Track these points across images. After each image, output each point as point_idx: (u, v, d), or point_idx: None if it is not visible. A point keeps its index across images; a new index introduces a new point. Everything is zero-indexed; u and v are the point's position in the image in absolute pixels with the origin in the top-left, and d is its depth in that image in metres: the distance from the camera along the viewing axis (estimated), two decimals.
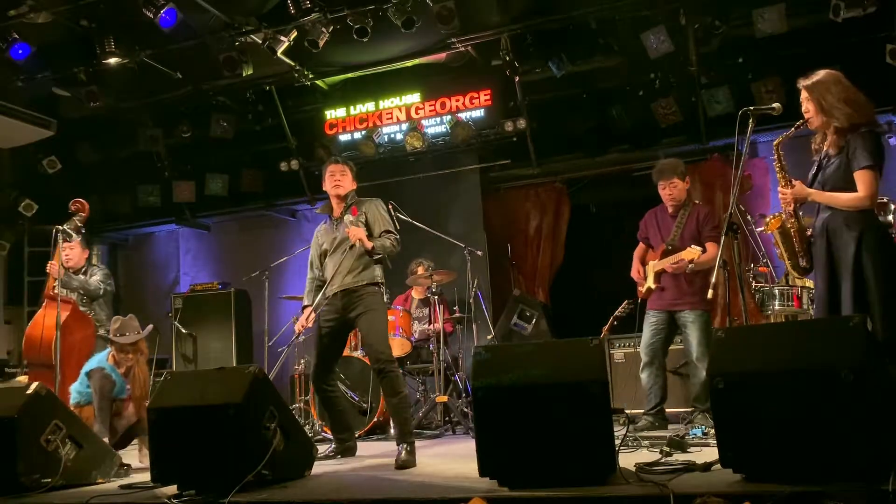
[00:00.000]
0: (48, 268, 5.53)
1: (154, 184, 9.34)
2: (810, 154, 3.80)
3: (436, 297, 6.51)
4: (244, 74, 7.37)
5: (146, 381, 4.94)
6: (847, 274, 3.48)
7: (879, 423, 2.53)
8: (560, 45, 7.50)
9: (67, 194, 9.24)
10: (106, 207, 9.45)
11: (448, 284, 6.97)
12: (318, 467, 4.05)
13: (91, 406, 4.73)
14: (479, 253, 7.00)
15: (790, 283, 5.55)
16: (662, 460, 3.42)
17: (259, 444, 3.43)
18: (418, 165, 8.40)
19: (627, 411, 5.15)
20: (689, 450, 3.77)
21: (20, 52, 6.96)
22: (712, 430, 3.28)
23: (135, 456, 4.79)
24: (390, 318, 5.75)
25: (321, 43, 6.86)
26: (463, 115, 8.18)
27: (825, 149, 3.67)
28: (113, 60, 7.19)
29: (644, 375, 5.33)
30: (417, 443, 4.46)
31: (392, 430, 6.01)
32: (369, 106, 8.57)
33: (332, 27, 6.85)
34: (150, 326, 5.04)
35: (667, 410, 5.38)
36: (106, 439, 4.56)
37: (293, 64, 7.69)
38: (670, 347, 5.51)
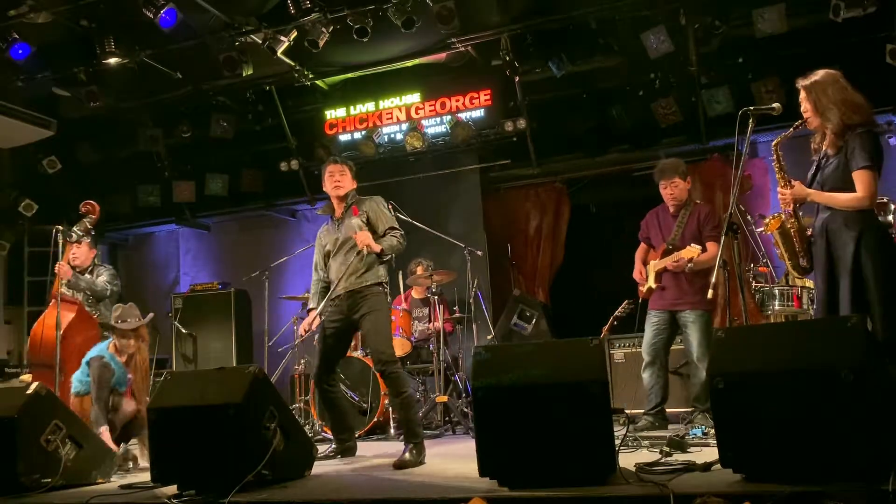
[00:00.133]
0: (56, 268, 5.53)
1: (154, 184, 9.34)
2: (810, 154, 3.80)
3: (436, 297, 6.51)
4: (244, 74, 7.37)
5: (147, 368, 4.96)
6: (846, 274, 3.48)
7: (879, 423, 2.53)
8: (560, 45, 7.50)
9: (67, 194, 9.33)
10: (106, 207, 9.37)
11: (448, 284, 6.97)
12: (318, 467, 4.05)
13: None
14: (479, 253, 7.00)
15: (790, 283, 5.55)
16: (662, 460, 3.42)
17: (259, 444, 3.43)
18: (418, 165, 8.40)
19: (627, 411, 5.15)
20: (689, 450, 3.77)
21: (20, 52, 6.96)
22: (712, 430, 3.28)
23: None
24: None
25: (321, 43, 6.86)
26: (463, 115, 8.18)
27: (823, 149, 3.67)
28: (113, 60, 7.19)
29: (646, 375, 5.33)
30: None
31: (392, 430, 6.03)
32: (369, 106, 8.58)
33: (332, 27, 6.85)
34: (151, 314, 5.06)
35: (667, 410, 5.37)
36: (105, 428, 4.57)
37: (293, 64, 7.69)
38: (672, 347, 5.51)
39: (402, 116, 8.43)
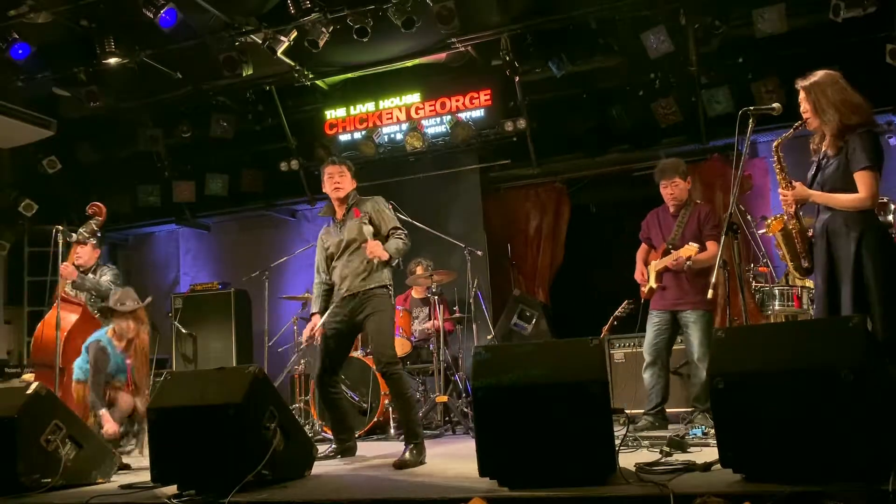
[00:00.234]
0: (61, 269, 5.53)
1: (154, 184, 9.34)
2: (810, 154, 3.80)
3: (436, 296, 6.51)
4: (244, 74, 7.37)
5: (147, 352, 4.99)
6: (847, 274, 3.48)
7: (879, 423, 2.53)
8: (560, 45, 7.50)
9: (67, 194, 9.35)
10: (106, 207, 9.43)
11: (448, 284, 6.97)
12: (318, 467, 4.05)
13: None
14: (479, 253, 7.00)
15: (790, 283, 5.55)
16: (662, 460, 3.42)
17: (259, 444, 3.43)
18: (418, 165, 8.40)
19: (627, 411, 5.14)
20: (689, 450, 3.77)
21: (20, 52, 6.96)
22: (712, 430, 3.28)
23: (136, 456, 4.80)
24: None
25: (321, 43, 6.86)
26: (463, 115, 8.18)
27: (823, 149, 3.67)
28: (113, 60, 7.19)
29: (647, 375, 5.32)
30: None
31: (392, 430, 6.03)
32: (369, 106, 8.57)
33: (332, 27, 6.85)
34: (149, 298, 5.09)
35: (667, 410, 5.37)
36: (104, 411, 4.58)
37: (293, 64, 7.69)
38: (672, 348, 5.51)
39: (402, 116, 8.43)
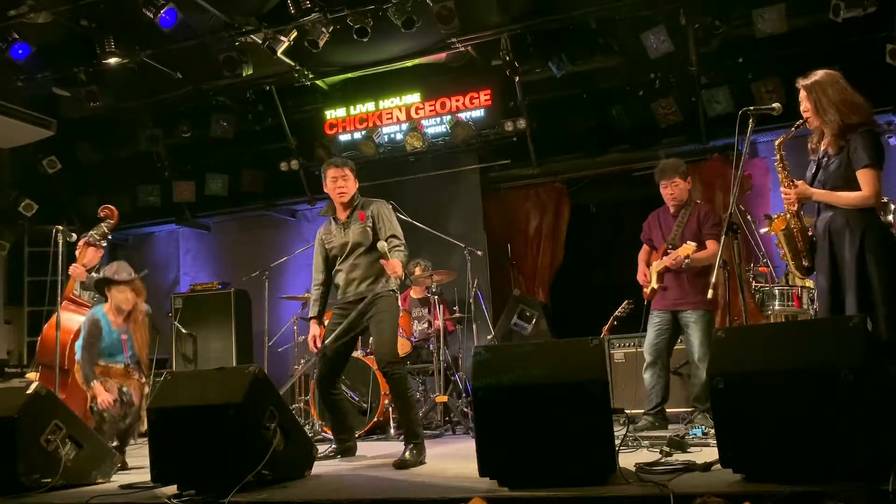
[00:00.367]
0: (70, 270, 5.52)
1: (154, 184, 9.34)
2: (809, 154, 3.80)
3: (435, 296, 6.51)
4: (244, 74, 7.37)
5: (146, 323, 4.99)
6: (851, 274, 3.48)
7: (879, 423, 2.53)
8: (560, 45, 7.50)
9: (67, 194, 9.35)
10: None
11: (448, 284, 6.97)
12: (318, 467, 4.05)
13: (99, 361, 4.79)
14: (479, 253, 7.00)
15: (790, 283, 5.55)
16: (662, 460, 3.42)
17: (259, 444, 3.43)
18: (418, 165, 8.40)
19: (627, 411, 5.14)
20: (689, 450, 3.77)
21: (20, 52, 6.96)
22: (712, 430, 3.28)
23: (134, 457, 4.79)
24: None
25: (321, 43, 6.86)
26: (463, 115, 8.18)
27: (823, 148, 3.67)
28: (113, 60, 7.20)
29: (647, 375, 5.32)
30: None
31: (392, 430, 6.03)
32: (369, 106, 8.58)
33: (332, 27, 6.85)
34: (145, 271, 5.12)
35: (667, 410, 5.37)
36: (96, 382, 4.59)
37: (293, 64, 7.69)
38: (673, 348, 5.50)
39: (402, 116, 8.43)
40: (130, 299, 4.87)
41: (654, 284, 5.30)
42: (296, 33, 6.93)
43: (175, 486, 3.47)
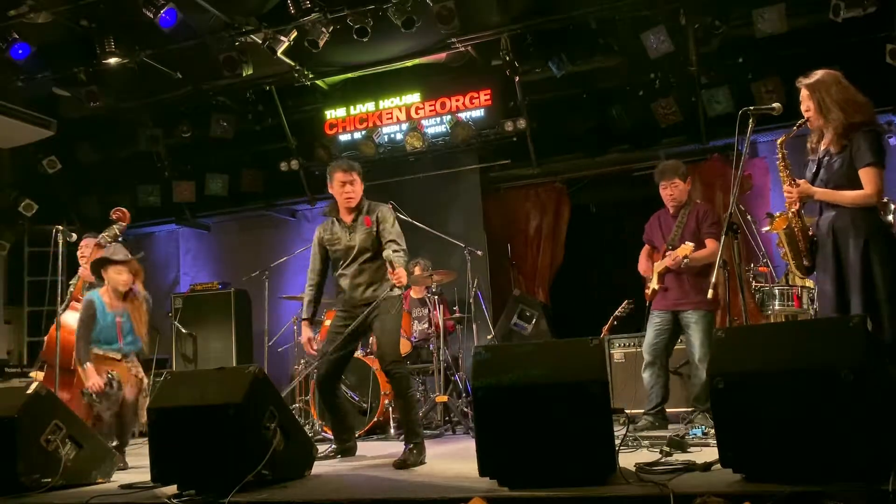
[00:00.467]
0: (80, 271, 5.53)
1: (154, 184, 9.34)
2: (807, 153, 3.80)
3: (435, 296, 6.51)
4: (244, 74, 7.37)
5: (144, 304, 4.99)
6: (856, 274, 3.48)
7: (879, 423, 2.53)
8: (560, 45, 7.50)
9: (67, 194, 9.35)
10: (106, 207, 9.42)
11: (448, 284, 6.97)
12: (318, 467, 4.05)
13: (94, 350, 4.79)
14: (479, 253, 6.99)
15: (790, 283, 5.55)
16: (662, 460, 3.42)
17: (259, 444, 3.43)
18: (418, 165, 8.40)
19: (627, 411, 5.14)
20: (689, 450, 3.77)
21: (20, 52, 6.96)
22: (712, 430, 3.28)
23: (134, 457, 4.79)
24: None
25: (321, 43, 6.86)
26: (463, 115, 8.18)
27: (824, 147, 3.67)
28: (113, 60, 7.20)
29: (646, 375, 5.32)
30: None
31: (392, 430, 6.03)
32: (369, 106, 8.58)
33: (332, 27, 6.85)
34: (142, 253, 5.15)
35: (667, 410, 5.37)
36: (89, 365, 4.60)
37: (293, 64, 7.69)
38: (673, 348, 5.50)
39: (402, 116, 8.43)
40: (127, 280, 4.88)
41: (655, 285, 5.29)
42: (296, 33, 6.93)
43: (175, 486, 3.47)
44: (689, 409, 5.41)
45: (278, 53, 7.03)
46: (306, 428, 5.82)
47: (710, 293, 4.03)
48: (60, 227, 5.41)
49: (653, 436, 4.52)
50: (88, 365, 4.64)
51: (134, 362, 4.95)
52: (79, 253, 5.76)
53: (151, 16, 6.48)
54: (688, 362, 5.45)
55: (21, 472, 3.70)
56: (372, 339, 5.90)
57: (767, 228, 3.92)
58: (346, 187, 4.58)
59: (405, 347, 6.54)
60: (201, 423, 3.46)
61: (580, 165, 8.31)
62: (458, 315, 6.91)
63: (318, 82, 8.42)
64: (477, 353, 3.30)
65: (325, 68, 8.10)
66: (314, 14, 6.72)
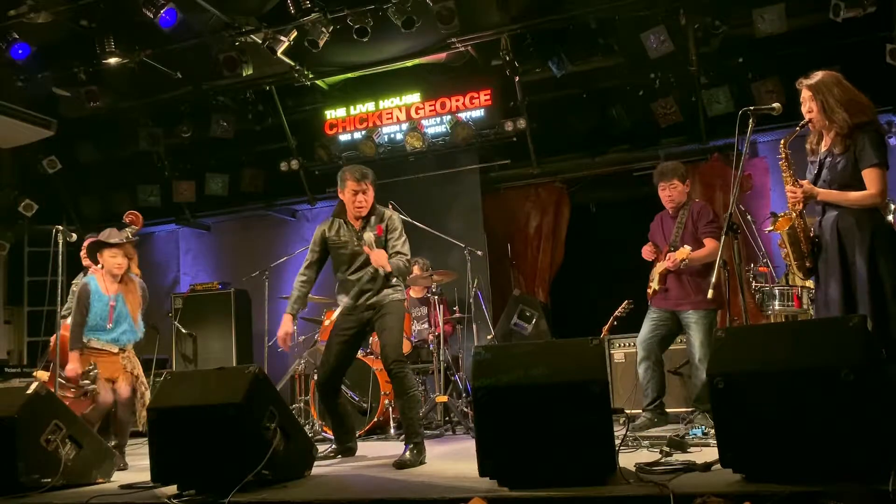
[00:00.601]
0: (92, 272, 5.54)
1: (154, 184, 9.33)
2: (806, 154, 3.80)
3: (435, 296, 6.51)
4: (244, 74, 7.38)
5: (138, 287, 5.02)
6: (863, 274, 3.47)
7: (879, 423, 2.53)
8: (560, 45, 7.50)
9: (67, 194, 9.34)
10: (106, 207, 9.45)
11: (448, 284, 6.97)
12: (318, 467, 4.05)
13: (93, 342, 4.80)
14: (479, 253, 6.99)
15: (790, 283, 5.54)
16: (662, 460, 3.42)
17: (259, 444, 3.42)
18: (418, 165, 8.40)
19: (627, 411, 5.13)
20: (689, 450, 3.77)
21: (20, 52, 6.97)
22: (712, 430, 3.28)
23: (134, 457, 4.79)
24: None
25: (321, 43, 6.87)
26: (463, 115, 8.18)
27: (825, 148, 3.67)
28: (113, 60, 7.20)
29: (640, 370, 5.29)
30: None
31: (392, 430, 6.03)
32: (369, 106, 8.58)
33: (332, 27, 6.86)
34: (136, 237, 5.16)
35: (667, 411, 5.36)
36: (76, 352, 4.62)
37: (293, 64, 7.70)
38: (672, 347, 5.49)
39: (402, 116, 8.43)
40: (122, 263, 4.91)
41: (656, 286, 5.29)
42: (296, 33, 6.93)
43: (175, 486, 3.47)
44: (689, 409, 5.40)
45: (278, 53, 7.03)
46: (306, 428, 5.82)
47: (710, 293, 4.03)
48: (60, 227, 5.41)
49: (653, 436, 4.52)
50: (74, 353, 4.65)
51: (130, 356, 4.95)
52: (81, 254, 5.76)
53: (151, 16, 6.48)
54: (688, 362, 5.44)
55: (21, 472, 3.70)
56: (372, 339, 5.91)
57: (770, 228, 3.91)
58: (358, 196, 4.59)
59: (405, 347, 6.54)
60: (201, 423, 3.47)
61: (580, 165, 8.31)
62: (458, 315, 6.91)
63: (317, 82, 8.42)
64: (477, 353, 3.30)
65: (325, 68, 8.10)
66: (314, 14, 6.73)
